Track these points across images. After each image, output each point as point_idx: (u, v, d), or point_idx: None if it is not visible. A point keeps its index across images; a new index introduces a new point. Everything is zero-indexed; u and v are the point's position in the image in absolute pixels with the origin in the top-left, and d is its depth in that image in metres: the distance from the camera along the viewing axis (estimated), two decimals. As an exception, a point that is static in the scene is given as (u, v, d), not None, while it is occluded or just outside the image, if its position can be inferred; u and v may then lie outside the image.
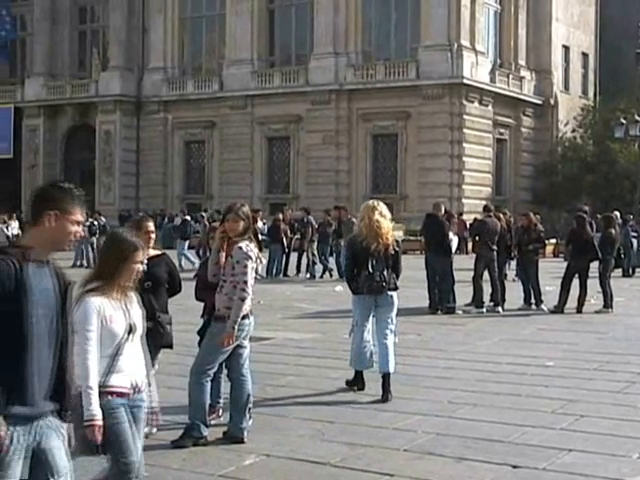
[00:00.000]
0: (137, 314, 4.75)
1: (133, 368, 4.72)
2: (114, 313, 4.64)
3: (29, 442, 3.81)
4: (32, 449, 3.83)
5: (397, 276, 9.10)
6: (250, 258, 6.96)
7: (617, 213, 25.24)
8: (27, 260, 3.75)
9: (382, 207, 9.06)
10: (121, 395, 4.68)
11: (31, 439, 3.82)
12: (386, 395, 8.72)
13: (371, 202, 9.29)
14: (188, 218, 31.56)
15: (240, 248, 6.95)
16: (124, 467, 4.67)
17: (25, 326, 3.71)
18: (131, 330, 4.67)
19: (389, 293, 9.01)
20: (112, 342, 4.63)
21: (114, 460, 4.69)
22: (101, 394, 4.57)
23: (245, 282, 6.94)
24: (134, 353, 4.71)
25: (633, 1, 54.75)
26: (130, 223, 7.68)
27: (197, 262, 26.44)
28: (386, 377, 8.81)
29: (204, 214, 36.01)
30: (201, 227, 29.99)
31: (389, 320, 9.08)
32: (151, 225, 7.29)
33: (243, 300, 6.95)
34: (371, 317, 9.13)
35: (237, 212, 7.07)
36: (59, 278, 3.91)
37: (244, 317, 7.05)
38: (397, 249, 9.12)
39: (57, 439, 3.92)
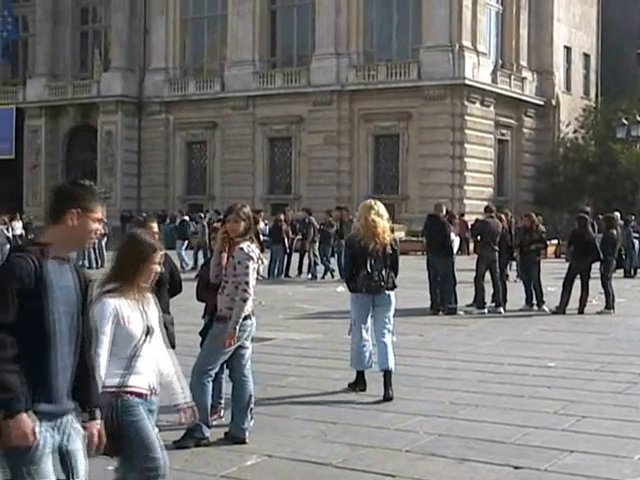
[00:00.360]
0: (154, 315, 4.75)
1: (150, 370, 4.71)
2: (132, 314, 4.63)
3: (56, 439, 3.82)
4: (59, 448, 3.84)
5: (395, 275, 9.13)
6: (251, 259, 6.96)
7: (617, 214, 25.25)
8: (46, 257, 3.75)
9: (379, 207, 9.08)
10: (139, 396, 4.67)
11: (58, 437, 3.83)
12: (388, 393, 8.72)
13: (368, 202, 9.33)
14: (187, 218, 31.62)
15: (241, 249, 6.96)
16: (150, 463, 4.63)
17: (47, 323, 3.72)
18: (148, 332, 4.66)
19: (387, 292, 9.04)
20: (130, 343, 4.62)
21: (137, 458, 4.63)
22: (119, 394, 4.57)
23: (247, 283, 6.94)
24: (151, 355, 4.70)
25: (635, 1, 54.73)
26: (134, 223, 7.71)
27: (191, 263, 26.54)
28: (387, 374, 8.82)
29: (202, 215, 36.02)
30: (199, 228, 29.99)
31: (387, 320, 9.10)
32: (156, 225, 7.33)
33: (245, 301, 6.96)
34: (369, 316, 9.14)
35: (238, 213, 7.08)
36: (79, 276, 3.92)
37: (246, 318, 7.05)
38: (395, 248, 9.14)
39: (78, 441, 3.93)
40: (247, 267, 6.95)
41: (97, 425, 4.06)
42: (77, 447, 3.92)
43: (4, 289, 3.66)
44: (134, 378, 4.65)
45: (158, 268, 4.80)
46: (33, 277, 3.69)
